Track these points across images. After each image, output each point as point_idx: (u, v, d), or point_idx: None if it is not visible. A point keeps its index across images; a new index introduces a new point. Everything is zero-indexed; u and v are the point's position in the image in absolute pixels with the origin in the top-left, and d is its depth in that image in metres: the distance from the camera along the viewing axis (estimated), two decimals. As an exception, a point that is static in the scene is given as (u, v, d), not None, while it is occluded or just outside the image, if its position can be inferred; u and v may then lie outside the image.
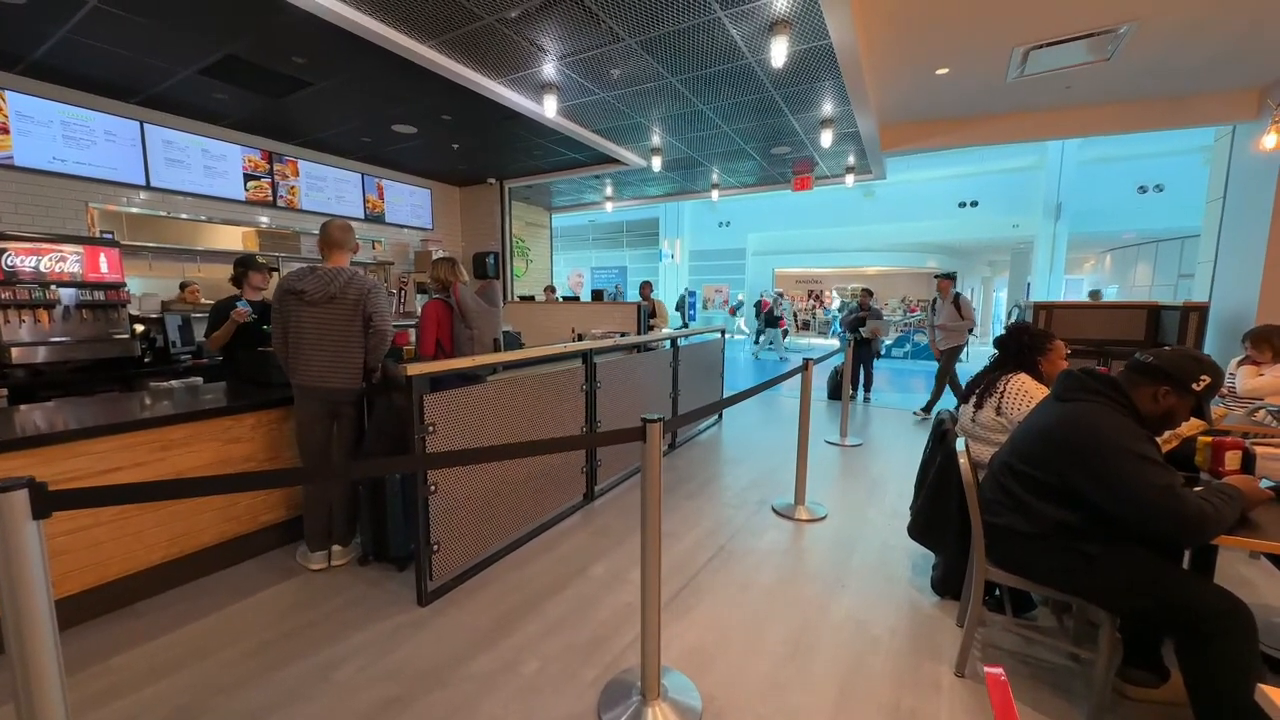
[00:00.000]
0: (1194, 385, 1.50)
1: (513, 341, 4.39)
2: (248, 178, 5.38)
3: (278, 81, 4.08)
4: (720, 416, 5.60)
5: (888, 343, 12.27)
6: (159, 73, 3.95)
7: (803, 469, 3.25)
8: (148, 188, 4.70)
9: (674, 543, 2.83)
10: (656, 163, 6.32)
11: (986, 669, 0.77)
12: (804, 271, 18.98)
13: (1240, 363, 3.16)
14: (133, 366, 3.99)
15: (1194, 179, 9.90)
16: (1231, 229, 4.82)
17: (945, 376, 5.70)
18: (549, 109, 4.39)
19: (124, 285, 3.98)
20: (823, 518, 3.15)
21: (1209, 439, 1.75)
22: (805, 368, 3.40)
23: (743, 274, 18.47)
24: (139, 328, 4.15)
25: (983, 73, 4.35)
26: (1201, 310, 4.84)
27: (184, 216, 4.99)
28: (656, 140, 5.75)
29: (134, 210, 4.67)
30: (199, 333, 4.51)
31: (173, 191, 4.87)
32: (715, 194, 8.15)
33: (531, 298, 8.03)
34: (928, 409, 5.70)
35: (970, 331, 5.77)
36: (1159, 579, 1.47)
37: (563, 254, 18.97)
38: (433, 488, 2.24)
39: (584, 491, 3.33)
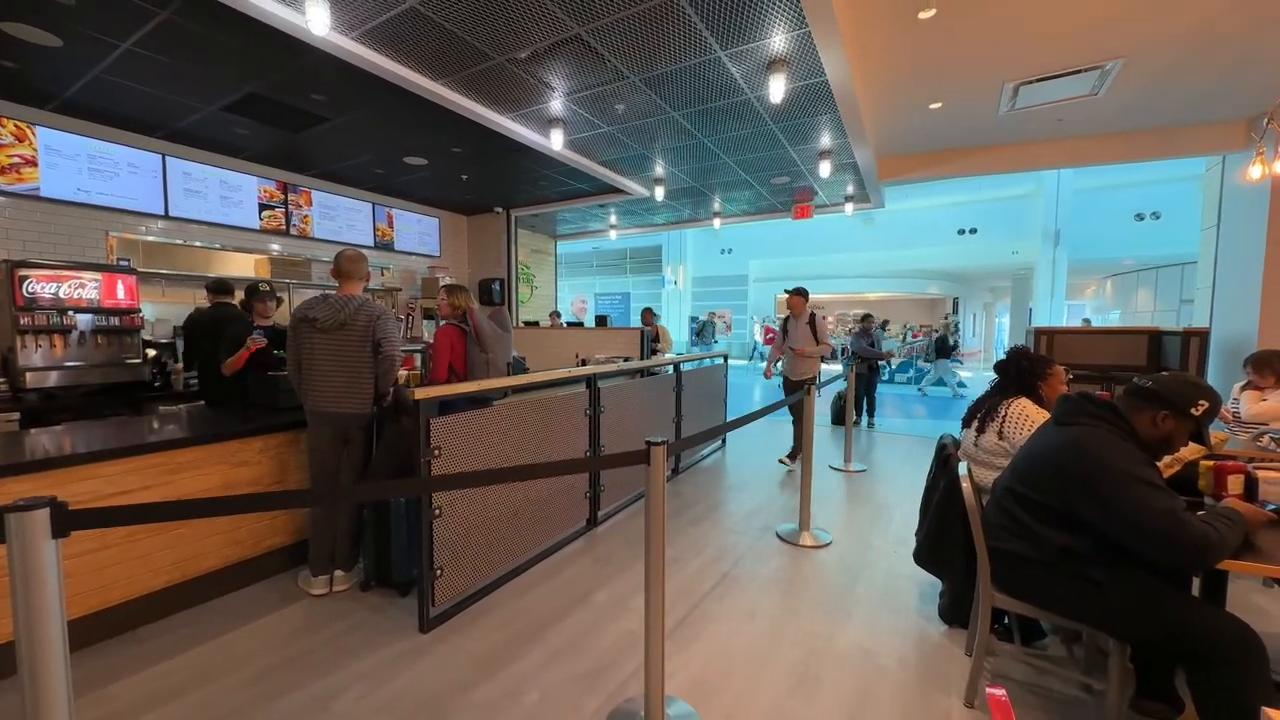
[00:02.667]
0: (1193, 410, 1.51)
1: (518, 366, 4.44)
2: (262, 207, 5.54)
3: (297, 117, 4.25)
4: (724, 441, 5.59)
5: (891, 368, 12.28)
6: (184, 109, 4.13)
7: (807, 495, 3.23)
8: (166, 217, 4.85)
9: (678, 569, 2.80)
10: (659, 192, 6.48)
11: (988, 689, 0.78)
12: (806, 298, 19.09)
13: (1243, 388, 3.16)
14: (144, 391, 4.04)
15: (1189, 206, 10.04)
16: (1227, 256, 4.88)
17: (800, 415, 4.36)
18: (556, 142, 4.54)
19: (138, 311, 4.07)
20: (828, 544, 3.12)
21: (1211, 463, 1.75)
22: (808, 392, 3.42)
23: (745, 300, 18.66)
24: (150, 352, 4.22)
25: (975, 107, 4.49)
26: (1202, 335, 4.87)
27: (198, 244, 5.12)
28: (659, 171, 5.92)
29: (151, 238, 4.80)
30: (209, 358, 4.58)
31: (190, 220, 5.02)
32: (717, 222, 8.31)
33: (536, 323, 8.12)
34: (793, 456, 4.75)
35: (825, 358, 4.88)
36: (1167, 605, 1.45)
37: (567, 280, 19.22)
38: (437, 511, 2.25)
39: (587, 517, 3.32)
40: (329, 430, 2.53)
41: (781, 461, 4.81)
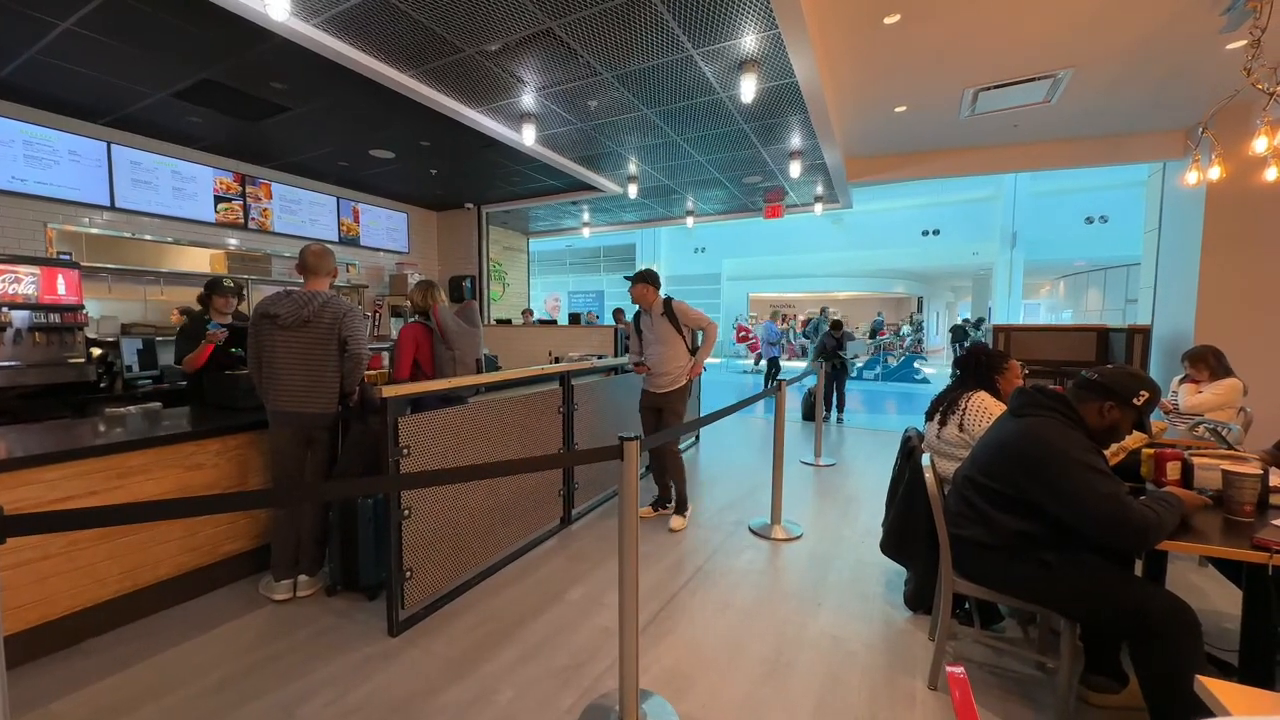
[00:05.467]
0: (1135, 400, 1.60)
1: (490, 365, 4.37)
2: (219, 200, 5.30)
3: (255, 106, 4.08)
4: (697, 438, 5.63)
5: (859, 365, 12.59)
6: (131, 95, 3.91)
7: (778, 489, 3.29)
8: (112, 208, 4.59)
9: (652, 564, 2.81)
10: (633, 190, 6.47)
11: (948, 667, 0.81)
12: (777, 296, 19.47)
13: (1181, 381, 3.36)
14: (88, 391, 3.82)
15: (1135, 211, 10.62)
16: (1167, 257, 5.18)
17: (663, 452, 3.40)
18: (527, 138, 4.49)
19: (82, 308, 3.85)
20: (798, 537, 3.19)
21: (1152, 451, 1.86)
22: (779, 388, 3.48)
23: (719, 299, 18.83)
24: (96, 351, 3.99)
25: (937, 111, 4.64)
26: (1145, 333, 5.16)
27: (148, 238, 4.87)
28: (633, 169, 5.91)
29: (95, 231, 4.54)
30: (163, 357, 4.37)
31: (138, 213, 4.76)
32: (690, 220, 8.36)
33: (508, 321, 8.01)
34: (659, 505, 3.52)
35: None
36: (1113, 585, 1.54)
37: (540, 278, 19.03)
38: (406, 512, 2.20)
39: (561, 515, 3.30)
40: (291, 431, 2.44)
41: (642, 516, 3.24)
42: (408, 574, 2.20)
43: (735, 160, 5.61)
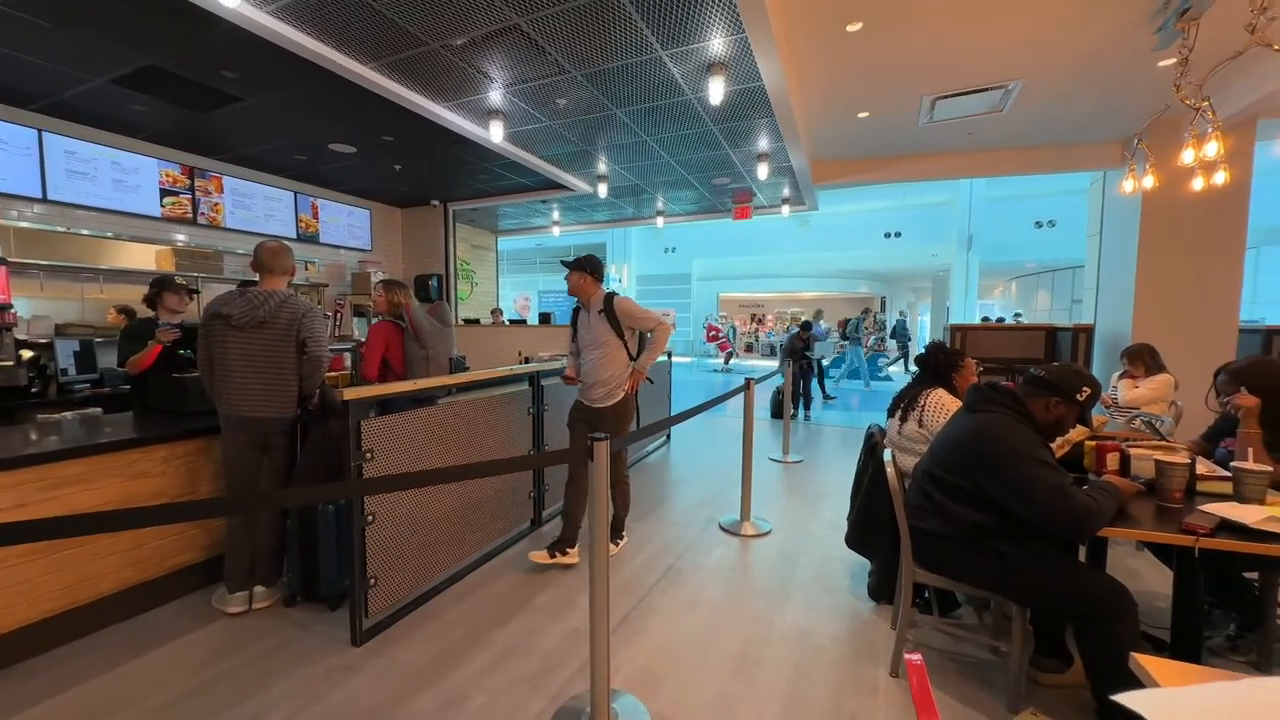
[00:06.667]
0: (1078, 396, 1.70)
1: (458, 365, 4.29)
2: (164, 193, 5.02)
3: (204, 95, 3.88)
4: (668, 437, 5.67)
5: (825, 363, 12.89)
6: (66, 80, 3.66)
7: (748, 486, 3.34)
8: (44, 200, 4.29)
9: (623, 564, 2.82)
10: (603, 189, 6.46)
11: (906, 656, 0.84)
12: (747, 296, 19.76)
13: (1120, 377, 3.58)
14: (18, 397, 3.56)
15: (1079, 216, 11.23)
16: (1108, 260, 5.50)
17: (578, 477, 2.81)
18: (495, 134, 4.42)
19: (9, 307, 3.59)
20: (767, 533, 3.25)
21: (1094, 444, 1.98)
22: (747, 387, 3.54)
23: (689, 298, 18.98)
24: (26, 354, 3.73)
25: (899, 117, 4.80)
26: (1088, 331, 5.47)
27: (85, 233, 4.57)
28: (603, 168, 5.90)
29: (24, 225, 4.24)
30: (104, 359, 4.11)
31: (74, 205, 4.47)
32: (660, 220, 8.40)
33: (477, 321, 7.88)
34: (556, 549, 2.74)
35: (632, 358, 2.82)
36: (1059, 571, 1.63)
37: (509, 277, 18.77)
38: (370, 518, 2.14)
39: (531, 518, 3.27)
40: (245, 437, 2.33)
41: (535, 558, 2.70)
42: (372, 581, 2.14)
43: (704, 161, 5.66)
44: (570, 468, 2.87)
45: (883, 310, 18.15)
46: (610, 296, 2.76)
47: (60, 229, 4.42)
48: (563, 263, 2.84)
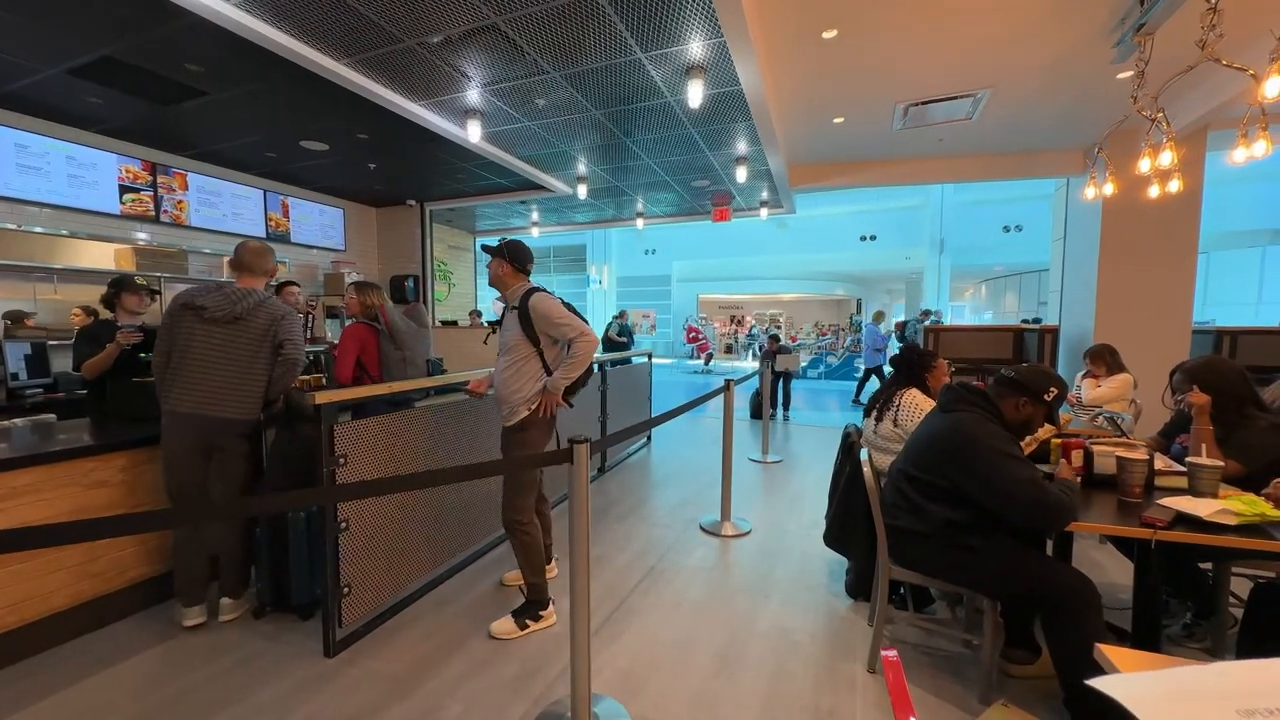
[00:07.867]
0: (1046, 396, 1.77)
1: (435, 369, 4.22)
2: (124, 189, 4.82)
3: (167, 88, 3.74)
4: (649, 439, 5.67)
5: (804, 364, 13.10)
6: (15, 70, 3.49)
7: (728, 487, 3.36)
8: (-7, 196, 4.08)
9: (605, 566, 2.81)
10: (582, 191, 6.43)
11: (883, 651, 0.86)
12: (726, 297, 19.93)
13: (1083, 376, 3.71)
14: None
15: (1045, 221, 11.63)
16: (1071, 264, 5.71)
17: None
18: (473, 134, 4.36)
19: (-45, 308, 3.40)
20: (748, 533, 3.27)
21: (1059, 441, 2.04)
22: (727, 389, 3.56)
23: (669, 299, 19.05)
24: (-26, 358, 3.54)
25: (872, 123, 4.90)
26: (1054, 332, 5.66)
27: (38, 230, 4.36)
28: (582, 169, 5.88)
29: (-28, 222, 4.02)
30: (58, 363, 3.93)
31: (25, 201, 4.26)
32: (640, 222, 8.41)
33: (455, 322, 7.77)
34: (522, 613, 2.30)
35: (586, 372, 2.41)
36: (1028, 565, 1.69)
37: (487, 278, 18.57)
38: (344, 525, 2.08)
39: (511, 521, 3.23)
40: (191, 436, 2.19)
41: (498, 634, 2.18)
42: (345, 590, 2.08)
43: (683, 164, 5.69)
44: (505, 491, 2.26)
45: (859, 312, 18.49)
46: (530, 293, 2.23)
47: (10, 226, 4.21)
48: (483, 248, 2.35)
